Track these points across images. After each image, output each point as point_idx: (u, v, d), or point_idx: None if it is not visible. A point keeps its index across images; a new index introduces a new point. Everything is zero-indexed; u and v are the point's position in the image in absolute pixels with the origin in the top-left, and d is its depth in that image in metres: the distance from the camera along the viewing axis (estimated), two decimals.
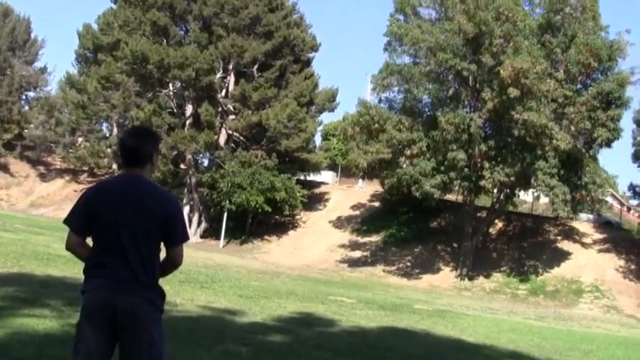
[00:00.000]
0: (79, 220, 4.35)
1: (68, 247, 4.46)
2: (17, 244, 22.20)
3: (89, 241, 4.39)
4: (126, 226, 4.22)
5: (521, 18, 37.23)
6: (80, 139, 63.31)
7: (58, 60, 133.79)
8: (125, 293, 4.16)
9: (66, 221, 4.42)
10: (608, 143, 38.44)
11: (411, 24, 41.12)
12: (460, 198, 44.40)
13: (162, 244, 4.39)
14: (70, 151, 61.16)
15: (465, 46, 38.15)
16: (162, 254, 4.46)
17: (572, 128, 36.88)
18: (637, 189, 41.77)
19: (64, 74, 61.86)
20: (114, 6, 53.58)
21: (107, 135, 61.17)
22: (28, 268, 16.05)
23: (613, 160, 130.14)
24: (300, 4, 52.92)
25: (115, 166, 57.39)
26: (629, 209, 54.46)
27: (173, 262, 4.50)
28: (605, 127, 36.93)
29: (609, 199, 46.66)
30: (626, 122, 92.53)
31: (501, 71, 35.20)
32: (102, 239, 4.29)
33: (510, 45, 36.49)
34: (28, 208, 57.29)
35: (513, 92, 34.95)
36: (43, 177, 63.72)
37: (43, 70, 68.41)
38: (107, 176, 57.00)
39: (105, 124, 62.49)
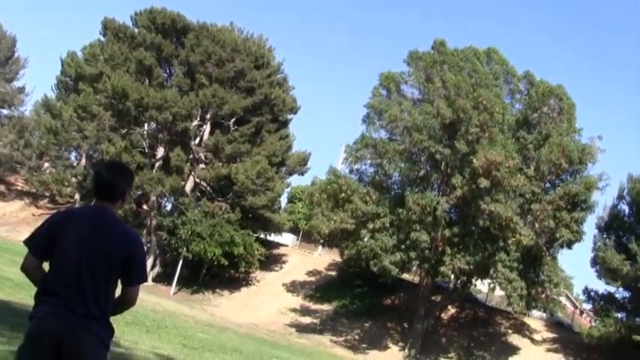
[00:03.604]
0: (40, 243, 4.24)
1: (23, 269, 4.33)
2: None
3: (45, 266, 4.27)
4: (87, 258, 4.12)
5: (499, 110, 37.80)
6: (46, 164, 62.57)
7: (37, 82, 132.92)
8: (75, 326, 4.02)
9: (26, 242, 4.31)
10: (569, 244, 38.78)
11: (393, 100, 41.66)
12: (416, 279, 44.39)
13: (119, 281, 4.30)
14: (35, 174, 60.25)
15: (441, 130, 38.60)
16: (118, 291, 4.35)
17: (536, 225, 37.19)
18: (592, 293, 41.90)
19: (41, 97, 61.51)
20: (102, 38, 53.64)
21: (74, 164, 60.52)
22: None
23: (572, 261, 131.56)
24: (286, 65, 53.43)
25: (77, 196, 56.71)
26: (581, 312, 54.67)
27: (128, 301, 4.40)
28: (568, 229, 37.28)
29: (563, 299, 46.88)
30: (590, 226, 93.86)
31: (474, 160, 35.58)
32: (59, 267, 4.16)
33: (486, 135, 36.97)
34: None
35: (483, 183, 35.27)
36: (2, 196, 62.59)
37: (21, 89, 67.88)
38: (68, 205, 56.34)
39: (74, 153, 61.97)
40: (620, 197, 41.04)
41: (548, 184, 39.39)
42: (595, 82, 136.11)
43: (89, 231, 4.20)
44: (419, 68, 42.30)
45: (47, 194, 61.83)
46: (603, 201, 55.08)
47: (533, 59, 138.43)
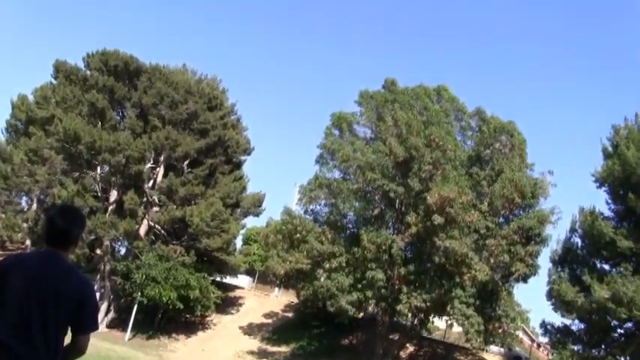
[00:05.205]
0: None
1: None
2: None
3: None
4: (37, 305, 4.00)
5: (451, 147, 38.23)
6: None
7: None
8: None
9: None
10: (524, 278, 39.05)
11: (346, 140, 41.92)
12: (374, 318, 44.26)
13: (69, 328, 4.18)
14: None
15: (394, 168, 38.89)
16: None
17: (492, 260, 37.44)
18: (548, 327, 42.11)
19: None
20: (54, 81, 53.05)
21: (25, 209, 59.41)
22: None
23: (528, 295, 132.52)
24: (239, 106, 53.28)
25: (28, 241, 55.62)
26: (539, 346, 54.97)
27: (78, 350, 4.28)
28: (523, 262, 37.60)
29: (520, 333, 47.12)
30: (544, 259, 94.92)
31: (428, 198, 35.83)
32: (6, 314, 4.03)
33: (438, 172, 37.30)
34: None
35: (438, 219, 35.49)
36: None
37: None
38: (19, 251, 55.12)
39: (25, 198, 60.79)
40: (573, 230, 41.41)
41: (502, 219, 39.75)
42: (544, 117, 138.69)
43: (40, 277, 4.08)
44: (370, 107, 42.73)
45: None
46: (556, 234, 55.84)
47: (483, 95, 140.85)
